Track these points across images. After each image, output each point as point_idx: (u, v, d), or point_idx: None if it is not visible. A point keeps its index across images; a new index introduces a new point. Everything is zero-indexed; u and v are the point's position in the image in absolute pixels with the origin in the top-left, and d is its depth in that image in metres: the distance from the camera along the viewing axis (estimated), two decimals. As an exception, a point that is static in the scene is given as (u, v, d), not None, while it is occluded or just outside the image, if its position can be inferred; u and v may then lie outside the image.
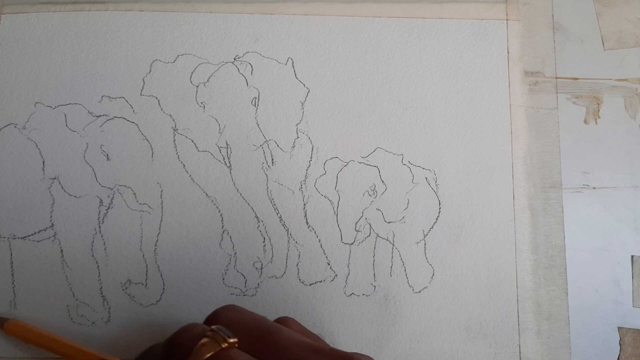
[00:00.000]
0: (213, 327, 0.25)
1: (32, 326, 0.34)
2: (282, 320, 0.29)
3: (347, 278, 0.36)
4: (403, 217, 0.37)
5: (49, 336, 0.34)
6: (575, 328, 0.36)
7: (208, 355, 0.24)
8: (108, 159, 0.37)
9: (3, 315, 0.35)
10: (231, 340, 0.25)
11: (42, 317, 0.35)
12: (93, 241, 0.36)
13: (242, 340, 0.25)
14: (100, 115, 0.37)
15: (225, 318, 0.27)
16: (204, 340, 0.24)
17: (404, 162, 0.37)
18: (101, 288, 0.35)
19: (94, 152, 0.37)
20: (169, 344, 0.26)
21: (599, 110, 0.38)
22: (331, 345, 0.32)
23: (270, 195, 0.37)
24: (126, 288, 0.36)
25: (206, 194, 0.37)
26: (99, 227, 0.36)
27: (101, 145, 0.37)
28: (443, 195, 0.37)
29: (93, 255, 0.36)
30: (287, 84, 0.38)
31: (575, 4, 0.40)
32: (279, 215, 0.36)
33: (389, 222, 0.37)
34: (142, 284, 0.36)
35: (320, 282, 0.36)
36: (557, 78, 0.39)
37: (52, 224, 0.36)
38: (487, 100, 0.38)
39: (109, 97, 0.37)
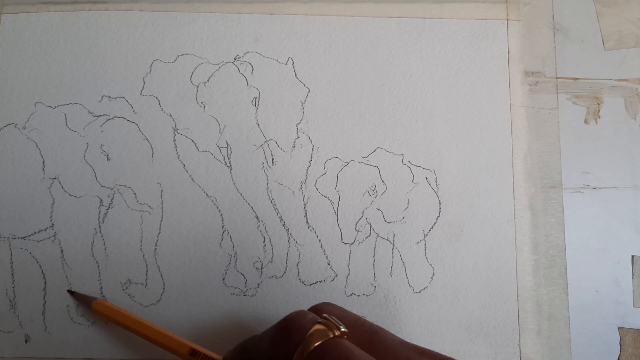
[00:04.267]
0: (325, 315, 0.26)
1: (119, 308, 0.34)
2: (322, 305, 0.29)
3: (347, 278, 0.36)
4: (403, 217, 0.37)
5: (136, 319, 0.33)
6: (576, 328, 0.36)
7: (320, 341, 0.24)
8: (108, 158, 0.37)
9: (91, 294, 0.35)
10: (343, 330, 0.25)
11: (42, 317, 0.35)
12: (93, 241, 0.36)
13: (347, 336, 0.26)
14: (100, 115, 0.37)
15: (328, 313, 0.27)
16: (318, 326, 0.25)
17: (404, 162, 0.37)
18: (101, 288, 0.35)
19: (94, 152, 0.37)
20: (283, 325, 0.26)
21: (599, 110, 0.38)
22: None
23: (270, 195, 0.37)
24: (126, 288, 0.35)
25: (206, 194, 0.36)
26: (99, 227, 0.36)
27: (101, 145, 0.37)
28: (443, 195, 0.37)
29: (93, 255, 0.36)
30: (288, 83, 0.38)
31: (576, 4, 0.40)
32: (279, 215, 0.36)
33: (389, 222, 0.36)
34: (142, 284, 0.36)
35: (320, 282, 0.36)
36: (557, 78, 0.39)
37: (52, 224, 0.36)
38: (487, 100, 0.38)
39: (109, 97, 0.37)
